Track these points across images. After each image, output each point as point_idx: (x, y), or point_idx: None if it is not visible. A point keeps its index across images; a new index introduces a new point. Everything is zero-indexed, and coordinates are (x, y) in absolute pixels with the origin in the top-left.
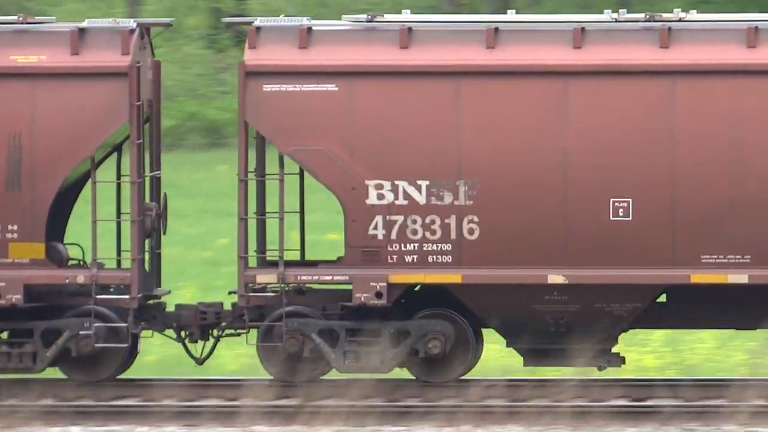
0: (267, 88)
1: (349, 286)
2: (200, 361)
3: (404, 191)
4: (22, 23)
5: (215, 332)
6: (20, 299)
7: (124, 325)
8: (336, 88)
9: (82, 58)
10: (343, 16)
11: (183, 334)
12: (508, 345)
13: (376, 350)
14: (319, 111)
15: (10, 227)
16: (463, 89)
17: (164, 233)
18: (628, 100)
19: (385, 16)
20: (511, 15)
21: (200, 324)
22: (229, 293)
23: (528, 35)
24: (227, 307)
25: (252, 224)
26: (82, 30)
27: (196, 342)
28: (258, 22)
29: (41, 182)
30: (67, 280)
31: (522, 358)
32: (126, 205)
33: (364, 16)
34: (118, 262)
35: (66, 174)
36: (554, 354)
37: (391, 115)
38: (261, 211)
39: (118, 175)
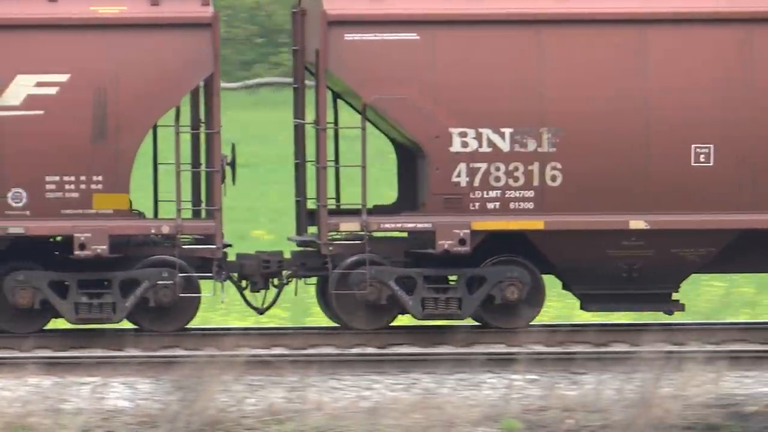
0: (348, 37)
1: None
2: (261, 311)
3: (488, 139)
4: None
5: (276, 281)
6: (105, 250)
7: (209, 274)
8: (417, 37)
9: (163, 9)
10: None
11: (243, 283)
12: (569, 290)
13: (454, 297)
14: (401, 59)
15: (95, 178)
16: (543, 37)
17: (234, 183)
18: (708, 47)
19: None
20: None
21: (263, 273)
22: (289, 240)
23: None
24: (286, 255)
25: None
26: None
27: (258, 291)
28: None
29: (126, 133)
30: (153, 231)
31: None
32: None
33: None
34: (197, 212)
35: (151, 124)
36: (618, 299)
37: (474, 63)
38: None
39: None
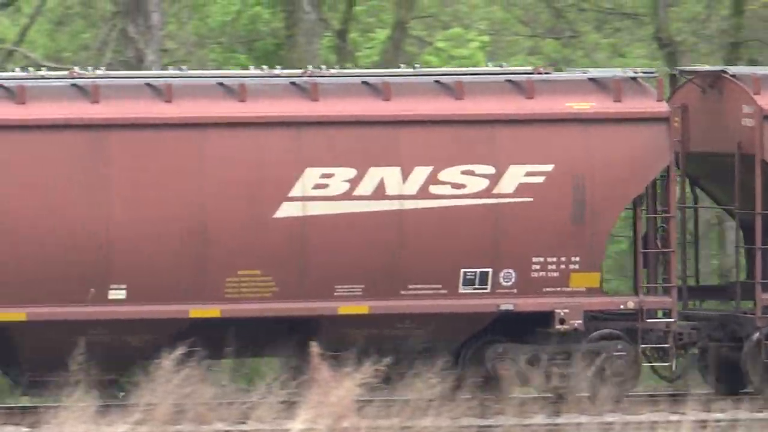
0: None
1: None
2: (671, 379)
3: None
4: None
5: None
6: (581, 324)
7: (668, 345)
8: None
9: (625, 105)
10: None
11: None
12: None
13: None
14: None
15: (573, 258)
16: None
17: None
18: None
19: None
20: None
21: (677, 344)
22: (683, 313)
23: None
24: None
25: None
26: (620, 78)
27: (670, 362)
28: (734, 70)
29: (600, 218)
30: (621, 306)
31: None
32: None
33: None
34: (663, 289)
35: (621, 209)
36: None
37: None
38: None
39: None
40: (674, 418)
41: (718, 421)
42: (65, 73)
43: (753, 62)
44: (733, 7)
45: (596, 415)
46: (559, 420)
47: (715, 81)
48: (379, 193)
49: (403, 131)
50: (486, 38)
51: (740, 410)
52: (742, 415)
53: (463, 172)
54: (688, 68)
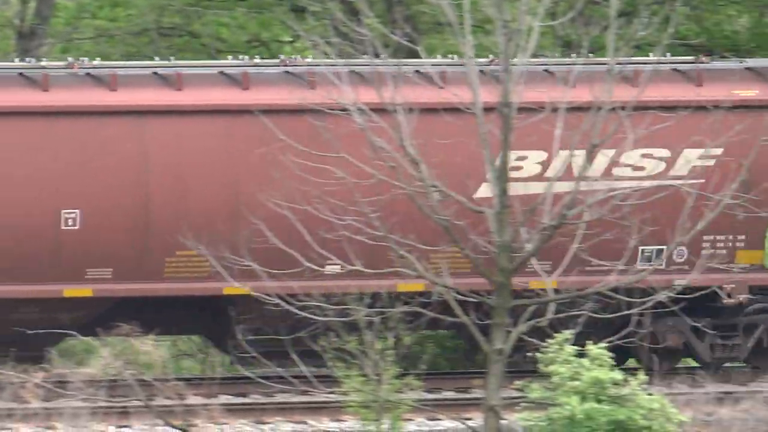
0: None
1: None
2: None
3: None
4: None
5: None
6: (747, 298)
7: None
8: None
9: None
10: None
11: None
12: None
13: None
14: None
15: (739, 237)
16: None
17: None
18: None
19: None
20: None
21: None
22: None
23: None
24: None
25: None
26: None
27: None
28: None
29: (765, 198)
30: None
31: None
32: None
33: None
34: None
35: None
36: None
37: None
38: None
39: None
40: None
41: None
42: (276, 61)
43: None
44: None
45: None
46: None
47: None
48: (568, 174)
49: (587, 117)
50: None
51: None
52: None
53: (643, 155)
54: None
